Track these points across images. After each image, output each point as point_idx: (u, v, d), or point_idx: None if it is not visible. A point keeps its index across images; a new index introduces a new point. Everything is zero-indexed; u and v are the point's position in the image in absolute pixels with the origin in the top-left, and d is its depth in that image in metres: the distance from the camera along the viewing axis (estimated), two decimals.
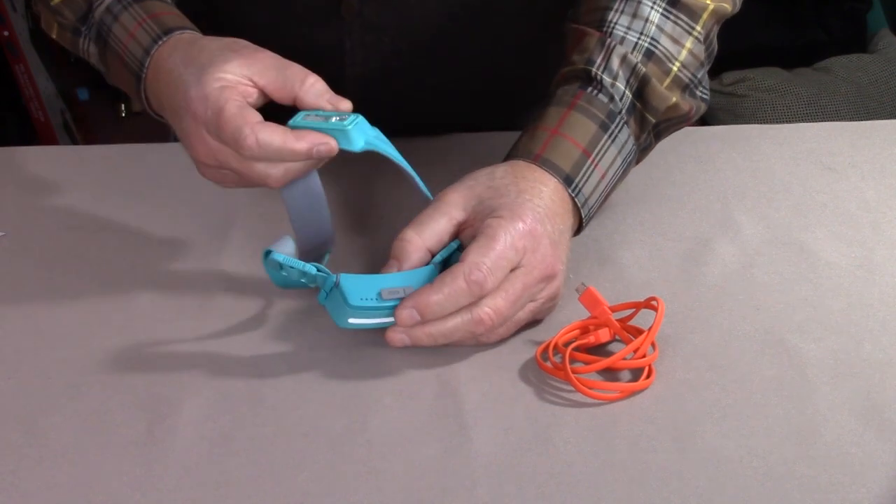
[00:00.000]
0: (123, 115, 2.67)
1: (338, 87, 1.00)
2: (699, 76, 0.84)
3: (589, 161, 0.78)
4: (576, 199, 0.77)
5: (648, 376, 0.71)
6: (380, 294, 0.72)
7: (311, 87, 0.74)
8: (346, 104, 0.75)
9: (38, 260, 0.85)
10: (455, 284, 0.70)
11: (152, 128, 0.95)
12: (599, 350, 0.75)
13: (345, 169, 0.84)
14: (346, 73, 0.98)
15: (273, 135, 0.71)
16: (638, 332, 0.74)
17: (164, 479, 0.64)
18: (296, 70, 0.75)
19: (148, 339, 0.76)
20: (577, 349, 0.73)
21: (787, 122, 1.98)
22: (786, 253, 0.84)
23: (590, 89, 0.80)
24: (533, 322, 0.76)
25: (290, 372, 0.73)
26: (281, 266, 0.72)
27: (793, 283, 0.81)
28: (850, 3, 2.25)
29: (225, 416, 0.69)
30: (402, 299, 0.71)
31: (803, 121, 1.90)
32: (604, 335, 0.74)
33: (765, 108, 2.05)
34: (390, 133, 0.95)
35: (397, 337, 0.72)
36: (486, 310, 0.71)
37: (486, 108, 1.01)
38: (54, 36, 0.91)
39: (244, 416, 0.69)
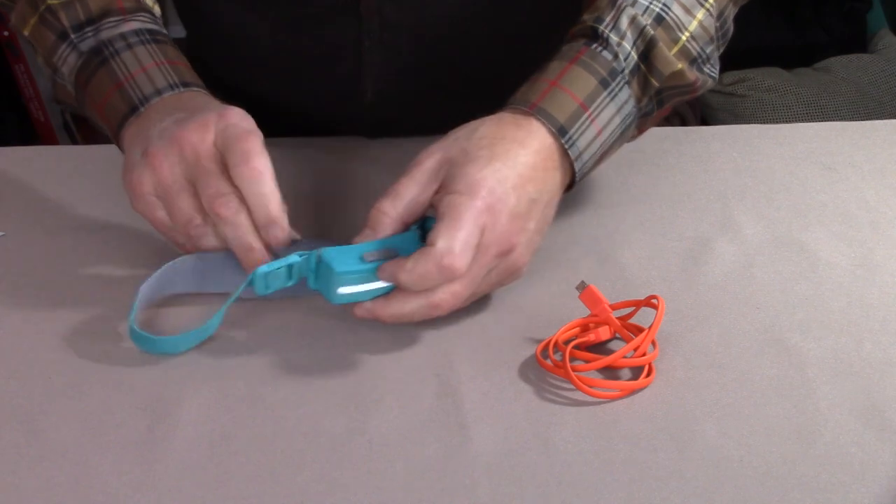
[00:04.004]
0: None
1: (355, 85, 1.00)
2: (708, 51, 0.84)
3: (585, 115, 0.78)
4: (569, 152, 0.77)
5: (648, 375, 0.71)
6: (362, 258, 0.72)
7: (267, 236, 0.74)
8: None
9: (38, 260, 0.84)
10: (426, 268, 0.70)
11: None
12: (599, 348, 0.75)
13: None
14: (364, 72, 0.98)
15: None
16: (638, 330, 0.74)
17: (164, 479, 0.64)
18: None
19: None
20: (577, 347, 0.73)
21: (787, 122, 1.98)
22: (786, 253, 0.84)
23: (594, 46, 0.79)
24: (530, 316, 0.77)
25: (290, 372, 0.73)
26: (267, 275, 0.73)
27: (793, 282, 0.81)
28: (850, 3, 2.25)
29: (225, 416, 0.69)
30: (383, 262, 0.72)
31: (803, 121, 1.89)
32: (604, 333, 0.74)
33: (765, 108, 2.05)
34: (403, 133, 0.95)
35: (360, 312, 0.73)
36: (443, 295, 0.72)
37: (501, 109, 1.01)
38: (27, 32, 0.88)
39: (244, 416, 0.69)
